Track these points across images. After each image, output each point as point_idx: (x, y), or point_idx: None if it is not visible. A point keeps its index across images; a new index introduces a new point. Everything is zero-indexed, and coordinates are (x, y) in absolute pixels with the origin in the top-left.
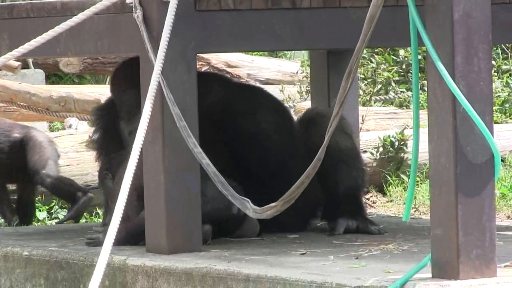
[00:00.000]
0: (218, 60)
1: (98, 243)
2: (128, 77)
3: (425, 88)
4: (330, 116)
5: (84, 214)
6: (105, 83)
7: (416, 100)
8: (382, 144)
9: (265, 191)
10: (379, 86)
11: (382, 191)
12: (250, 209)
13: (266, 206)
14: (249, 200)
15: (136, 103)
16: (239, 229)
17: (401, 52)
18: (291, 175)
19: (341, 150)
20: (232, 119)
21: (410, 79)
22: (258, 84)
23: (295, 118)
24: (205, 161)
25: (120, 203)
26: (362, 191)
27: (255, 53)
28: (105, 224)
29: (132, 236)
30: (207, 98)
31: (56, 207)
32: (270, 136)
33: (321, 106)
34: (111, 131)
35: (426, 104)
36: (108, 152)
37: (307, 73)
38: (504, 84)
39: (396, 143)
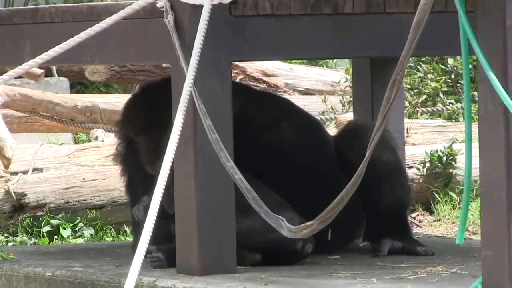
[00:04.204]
0: (254, 68)
1: (162, 263)
2: (138, 119)
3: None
4: (372, 128)
5: (110, 232)
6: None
7: (468, 113)
8: (429, 159)
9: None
10: (426, 97)
11: (429, 209)
12: (285, 228)
13: (301, 225)
14: (284, 219)
15: (151, 147)
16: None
17: (450, 61)
18: (323, 190)
19: (384, 165)
20: (253, 132)
21: (460, 90)
22: (297, 95)
23: (336, 130)
24: (238, 176)
25: (149, 222)
26: (408, 209)
27: (294, 61)
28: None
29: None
30: None
31: (81, 224)
32: (294, 149)
33: (363, 118)
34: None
35: (477, 117)
36: (133, 166)
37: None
38: None
39: (444, 158)
